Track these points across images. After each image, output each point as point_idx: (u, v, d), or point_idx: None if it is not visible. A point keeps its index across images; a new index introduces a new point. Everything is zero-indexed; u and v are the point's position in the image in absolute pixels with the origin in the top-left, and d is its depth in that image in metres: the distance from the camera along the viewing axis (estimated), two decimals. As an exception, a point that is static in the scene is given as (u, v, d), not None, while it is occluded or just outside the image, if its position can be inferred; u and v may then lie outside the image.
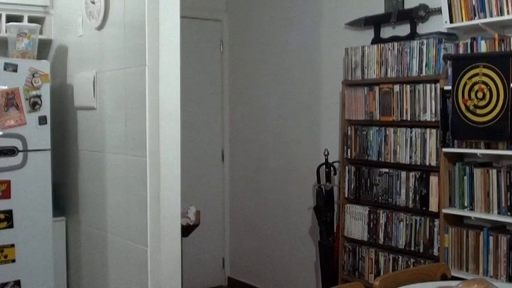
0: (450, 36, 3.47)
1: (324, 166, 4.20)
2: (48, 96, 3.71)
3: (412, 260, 3.57)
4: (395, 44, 3.66)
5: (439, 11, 3.51)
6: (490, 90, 3.12)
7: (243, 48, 5.20)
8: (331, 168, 4.18)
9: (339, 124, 4.18)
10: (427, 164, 3.47)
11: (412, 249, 3.56)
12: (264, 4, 4.98)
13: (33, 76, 3.65)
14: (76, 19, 3.82)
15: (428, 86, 3.47)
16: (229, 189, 5.36)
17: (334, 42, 4.30)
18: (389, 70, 3.70)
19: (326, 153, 4.16)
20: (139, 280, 3.24)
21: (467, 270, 3.27)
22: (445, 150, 3.35)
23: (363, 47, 3.86)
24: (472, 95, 3.20)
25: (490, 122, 3.13)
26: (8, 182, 3.56)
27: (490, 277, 3.14)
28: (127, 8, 3.32)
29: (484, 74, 3.14)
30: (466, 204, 3.29)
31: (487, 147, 3.21)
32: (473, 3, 3.23)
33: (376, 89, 3.76)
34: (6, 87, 3.56)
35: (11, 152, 3.57)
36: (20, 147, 3.60)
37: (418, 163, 3.53)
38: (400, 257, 3.64)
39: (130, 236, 3.34)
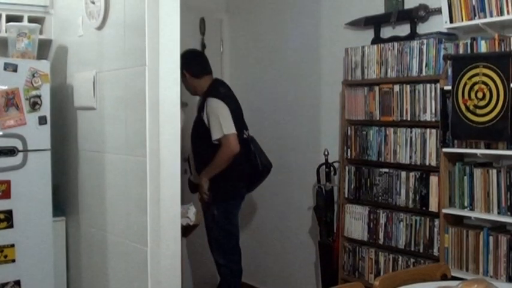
0: (450, 36, 3.47)
1: (324, 166, 4.20)
2: (48, 96, 3.70)
3: (412, 260, 3.57)
4: (395, 44, 3.66)
5: (439, 11, 3.51)
6: (490, 90, 3.12)
7: (243, 48, 5.19)
8: (331, 168, 4.18)
9: (339, 124, 4.18)
10: (427, 164, 3.47)
11: (412, 249, 3.56)
12: (264, 4, 4.98)
13: (33, 76, 3.64)
14: (76, 19, 3.82)
15: (428, 86, 3.47)
16: (229, 189, 5.34)
17: (334, 42, 4.30)
18: (389, 70, 3.70)
19: (326, 153, 4.16)
20: (140, 280, 3.24)
21: (467, 270, 3.27)
22: (445, 150, 3.35)
23: (363, 47, 3.86)
24: (472, 95, 3.20)
25: (490, 122, 3.13)
26: (8, 182, 3.55)
27: (490, 277, 3.14)
28: (127, 8, 3.32)
29: (484, 74, 3.14)
30: (466, 204, 3.29)
31: (487, 147, 3.21)
32: (473, 3, 3.23)
33: (376, 89, 3.76)
34: (6, 87, 3.56)
35: (11, 152, 3.56)
36: (20, 147, 3.60)
37: (418, 163, 3.52)
38: (400, 257, 3.64)
39: (130, 236, 3.33)
